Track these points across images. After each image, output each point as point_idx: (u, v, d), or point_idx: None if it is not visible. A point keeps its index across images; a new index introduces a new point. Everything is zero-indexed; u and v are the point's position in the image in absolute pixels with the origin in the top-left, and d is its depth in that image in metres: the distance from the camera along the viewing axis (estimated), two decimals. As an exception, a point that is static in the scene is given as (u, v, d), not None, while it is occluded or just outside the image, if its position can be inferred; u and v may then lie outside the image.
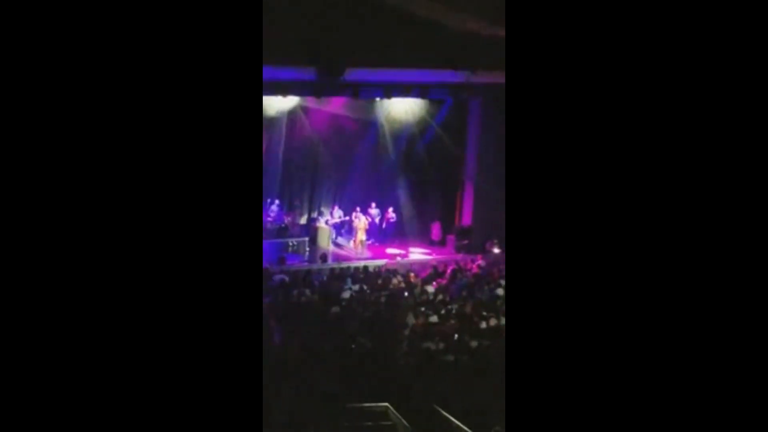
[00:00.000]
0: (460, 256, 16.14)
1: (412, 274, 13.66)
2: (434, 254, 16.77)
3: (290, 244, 16.52)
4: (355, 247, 16.87)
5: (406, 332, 9.77)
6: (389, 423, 6.48)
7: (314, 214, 18.31)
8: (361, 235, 16.92)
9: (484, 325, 10.16)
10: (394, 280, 13.16)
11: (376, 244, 17.88)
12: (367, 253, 16.59)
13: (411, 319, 10.26)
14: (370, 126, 18.29)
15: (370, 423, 6.46)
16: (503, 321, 9.89)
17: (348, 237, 18.09)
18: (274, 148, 17.33)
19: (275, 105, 16.77)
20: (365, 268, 14.34)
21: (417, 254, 16.79)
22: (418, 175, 18.37)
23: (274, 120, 17.01)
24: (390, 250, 16.92)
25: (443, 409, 6.61)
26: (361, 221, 17.06)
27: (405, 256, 16.40)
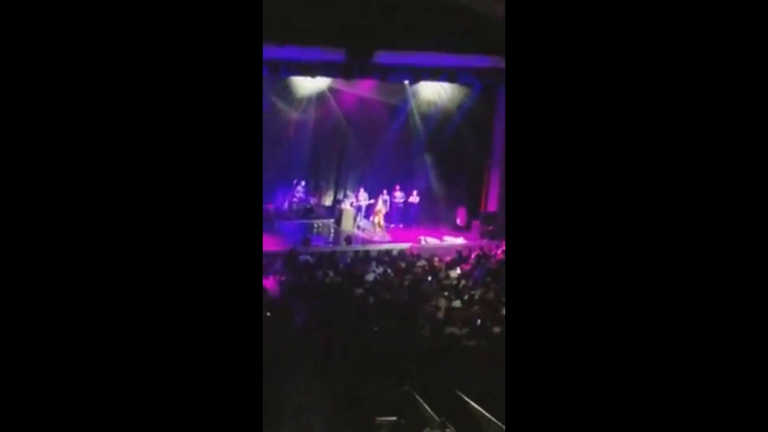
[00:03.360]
0: (484, 242, 16.10)
1: (436, 259, 13.66)
2: (459, 239, 16.74)
3: (315, 225, 16.59)
4: (373, 228, 16.85)
5: (430, 316, 9.78)
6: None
7: (340, 196, 18.34)
8: (379, 218, 16.89)
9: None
10: (419, 264, 13.16)
11: (401, 227, 17.89)
12: (385, 236, 16.55)
13: (441, 302, 10.26)
14: (397, 109, 18.27)
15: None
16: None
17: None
18: (302, 130, 17.35)
19: (304, 86, 16.79)
20: (389, 251, 14.35)
21: (442, 239, 16.77)
22: (444, 160, 18.33)
23: (302, 101, 17.01)
24: (414, 235, 16.91)
25: (464, 394, 6.60)
26: (379, 204, 17.05)
27: (431, 239, 16.39)
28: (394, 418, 4.32)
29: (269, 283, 12.04)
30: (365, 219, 17.65)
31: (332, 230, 16.48)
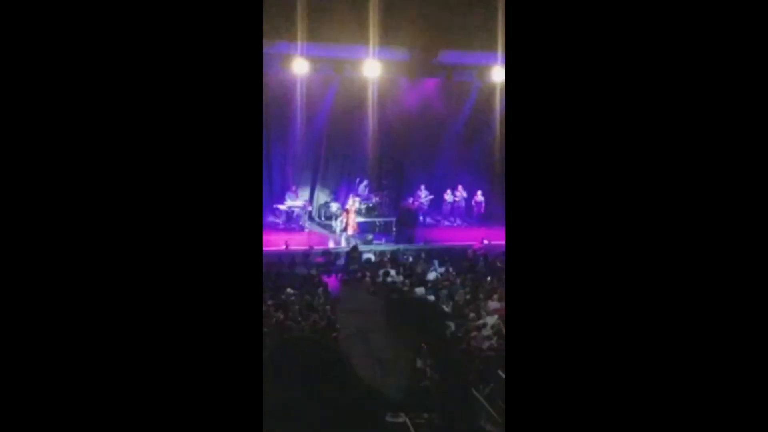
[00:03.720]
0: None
1: (498, 261, 13.59)
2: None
3: (377, 223, 16.67)
4: (347, 228, 16.52)
5: (489, 316, 9.75)
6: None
7: (402, 195, 18.38)
8: (350, 218, 16.51)
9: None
10: (480, 264, 13.12)
11: (465, 226, 17.85)
12: (355, 235, 16.25)
13: (494, 304, 10.23)
14: (462, 108, 18.23)
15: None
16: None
17: (437, 218, 18.16)
18: (364, 127, 17.46)
19: (366, 84, 16.89)
20: (450, 250, 14.34)
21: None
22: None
23: (365, 100, 17.11)
24: (478, 234, 16.82)
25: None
26: (349, 203, 16.69)
27: (492, 239, 16.28)
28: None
29: (331, 280, 12.16)
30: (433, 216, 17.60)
31: (394, 228, 16.51)
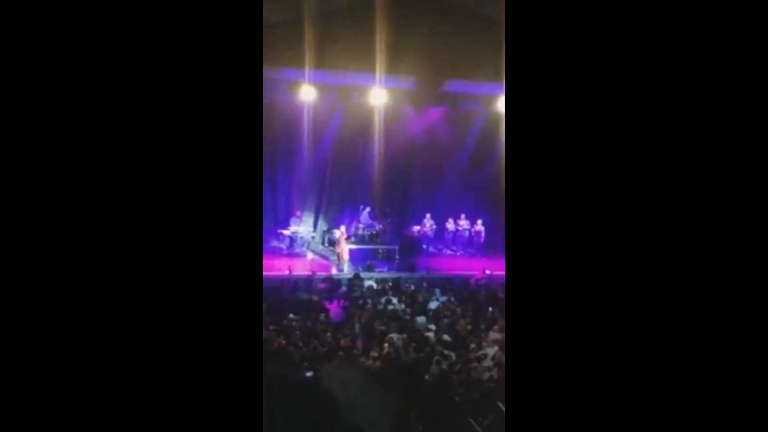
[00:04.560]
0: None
1: (500, 291, 13.57)
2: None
3: (379, 251, 16.67)
4: (337, 259, 16.54)
5: (490, 347, 9.73)
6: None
7: (405, 223, 18.40)
8: (342, 248, 16.50)
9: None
10: (481, 294, 13.11)
11: (467, 255, 17.84)
12: (347, 267, 16.20)
13: (495, 335, 10.21)
14: (466, 137, 18.31)
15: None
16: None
17: (439, 247, 18.18)
18: (369, 154, 17.53)
19: (372, 112, 17.00)
20: (452, 279, 14.33)
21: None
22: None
23: (370, 127, 17.21)
24: (479, 264, 16.81)
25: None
26: (341, 232, 16.70)
27: (494, 269, 16.26)
28: None
29: (333, 307, 12.14)
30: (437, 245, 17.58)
31: (397, 256, 16.52)
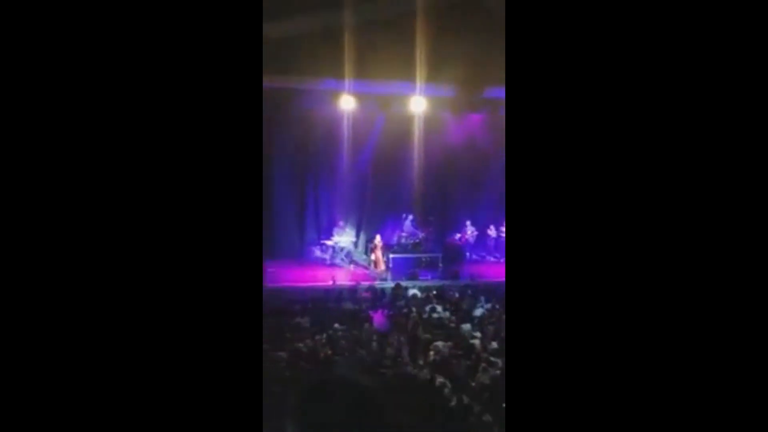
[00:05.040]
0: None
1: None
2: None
3: (423, 259, 16.65)
4: (372, 266, 16.62)
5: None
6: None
7: (447, 230, 18.36)
8: (378, 255, 16.64)
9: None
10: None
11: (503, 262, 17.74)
12: (385, 273, 16.25)
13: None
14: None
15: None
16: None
17: (482, 254, 18.11)
18: (410, 162, 17.55)
19: (412, 120, 17.03)
20: (496, 286, 14.25)
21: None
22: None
23: (410, 135, 17.23)
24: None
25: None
26: (376, 240, 16.81)
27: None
28: None
29: (378, 316, 12.15)
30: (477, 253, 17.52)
31: (440, 264, 16.48)
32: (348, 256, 17.04)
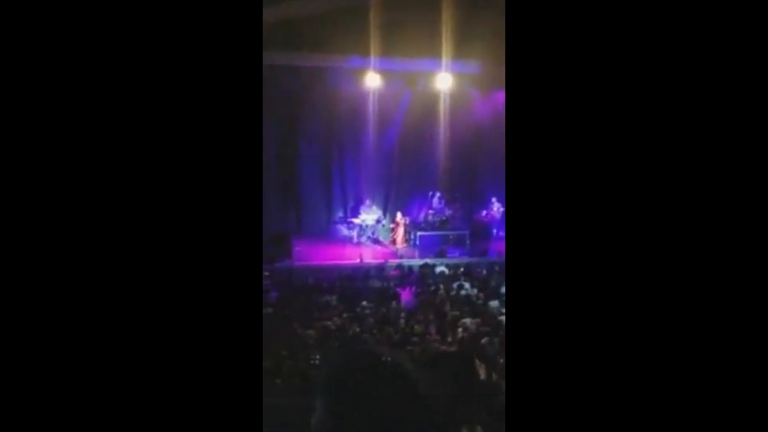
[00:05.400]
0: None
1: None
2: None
3: (450, 236, 16.64)
4: (393, 245, 16.67)
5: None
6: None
7: (474, 207, 18.31)
8: (399, 234, 16.72)
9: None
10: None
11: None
12: (408, 251, 16.34)
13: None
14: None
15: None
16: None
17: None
18: (436, 140, 17.50)
19: (438, 97, 16.96)
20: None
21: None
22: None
23: (437, 112, 17.17)
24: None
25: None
26: (398, 217, 16.93)
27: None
28: None
29: (406, 294, 12.19)
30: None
31: (468, 241, 16.46)
32: (374, 235, 17.07)
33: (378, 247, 16.62)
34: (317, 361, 7.69)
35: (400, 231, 16.60)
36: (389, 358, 1.73)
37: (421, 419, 1.68)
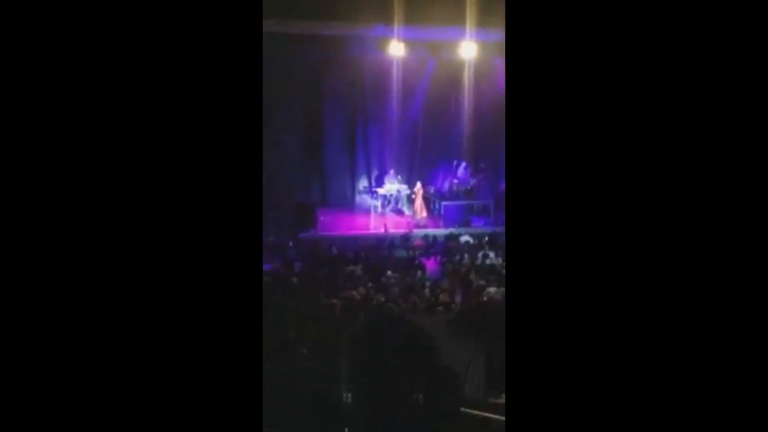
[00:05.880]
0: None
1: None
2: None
3: (475, 206, 16.58)
4: (414, 214, 16.60)
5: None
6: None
7: (499, 177, 18.18)
8: (419, 203, 16.61)
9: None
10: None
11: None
12: (427, 221, 16.28)
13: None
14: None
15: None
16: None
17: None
18: (461, 109, 17.37)
19: (463, 65, 16.80)
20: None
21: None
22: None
23: (461, 81, 17.02)
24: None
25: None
26: (417, 186, 16.79)
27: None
28: None
29: (431, 263, 12.19)
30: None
31: (492, 211, 16.39)
32: (398, 205, 17.04)
33: (401, 218, 16.58)
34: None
35: (419, 201, 16.53)
36: (409, 319, 1.73)
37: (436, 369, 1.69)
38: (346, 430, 1.75)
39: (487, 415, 3.53)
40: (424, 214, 16.46)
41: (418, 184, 16.78)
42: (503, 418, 3.63)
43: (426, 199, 16.92)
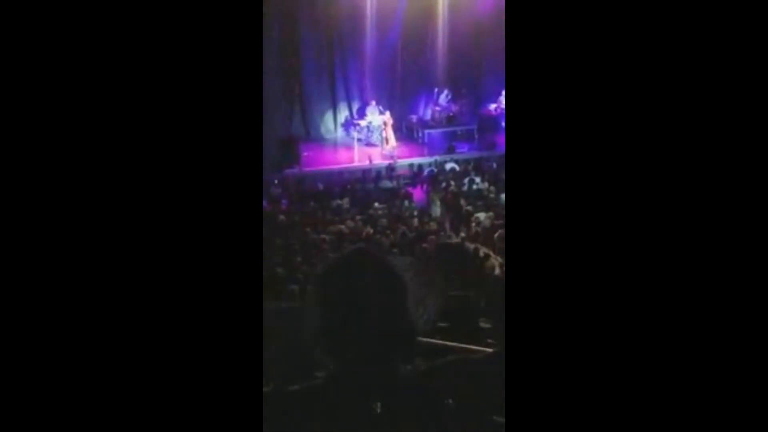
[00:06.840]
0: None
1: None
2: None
3: (458, 132, 16.54)
4: (383, 144, 16.15)
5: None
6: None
7: (481, 102, 18.10)
8: (388, 132, 16.16)
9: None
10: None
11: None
12: (396, 151, 15.83)
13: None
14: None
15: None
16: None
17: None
18: (438, 36, 17.18)
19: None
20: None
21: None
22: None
23: (436, 7, 16.79)
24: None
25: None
26: (386, 116, 16.28)
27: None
28: None
29: (417, 192, 12.22)
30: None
31: (476, 136, 16.35)
32: (383, 135, 16.91)
33: (372, 150, 16.31)
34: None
35: (390, 131, 16.27)
36: (382, 256, 1.73)
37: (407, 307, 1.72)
38: (378, 404, 1.78)
39: (441, 342, 3.64)
40: (394, 143, 16.22)
41: (387, 114, 16.50)
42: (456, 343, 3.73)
43: (395, 129, 16.71)
